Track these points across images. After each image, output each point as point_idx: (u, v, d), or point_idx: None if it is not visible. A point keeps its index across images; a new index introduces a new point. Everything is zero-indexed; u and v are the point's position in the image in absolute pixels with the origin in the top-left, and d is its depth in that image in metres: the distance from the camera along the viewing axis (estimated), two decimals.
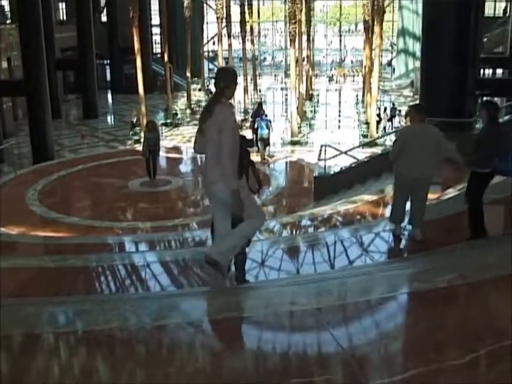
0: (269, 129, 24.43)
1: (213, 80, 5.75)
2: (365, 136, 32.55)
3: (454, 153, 8.23)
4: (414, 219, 8.61)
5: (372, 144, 27.46)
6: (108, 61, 52.85)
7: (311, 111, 41.52)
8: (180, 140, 32.85)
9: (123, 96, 47.70)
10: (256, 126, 25.29)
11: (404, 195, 8.58)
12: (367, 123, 34.75)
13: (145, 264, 8.88)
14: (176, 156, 26.47)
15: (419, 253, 7.96)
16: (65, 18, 50.88)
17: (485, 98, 19.52)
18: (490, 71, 43.00)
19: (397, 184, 8.74)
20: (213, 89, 31.38)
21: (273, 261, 8.75)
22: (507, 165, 7.93)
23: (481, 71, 37.10)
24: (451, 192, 12.08)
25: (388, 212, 10.73)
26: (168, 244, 12.17)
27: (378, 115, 34.65)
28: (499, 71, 41.13)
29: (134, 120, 34.16)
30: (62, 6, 50.97)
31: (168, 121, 38.82)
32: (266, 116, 25.66)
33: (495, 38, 42.65)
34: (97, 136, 34.64)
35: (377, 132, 32.84)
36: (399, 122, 34.83)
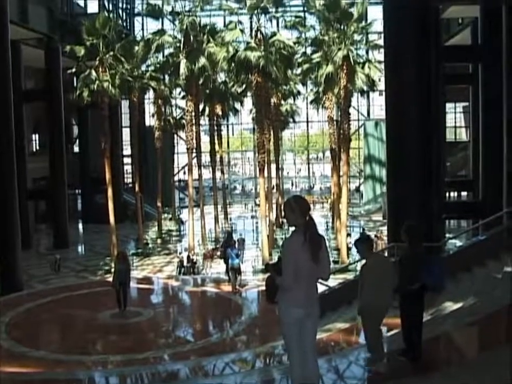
0: (239, 259, 24.33)
1: (298, 211, 6.12)
2: (336, 262, 32.68)
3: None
4: None
5: (344, 270, 27.56)
6: (80, 191, 53.28)
7: (282, 239, 41.72)
8: (150, 270, 32.70)
9: (94, 226, 47.56)
10: (227, 256, 25.18)
11: (374, 326, 8.58)
12: (338, 249, 34.99)
13: None
14: (147, 286, 26.20)
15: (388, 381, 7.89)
16: (37, 148, 51.60)
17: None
18: (456, 194, 44.19)
19: (364, 317, 8.72)
20: (184, 218, 31.19)
21: None
22: (431, 280, 8.37)
23: (447, 194, 38.07)
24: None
25: (361, 339, 10.65)
26: (140, 378, 11.89)
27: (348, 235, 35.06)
28: (464, 193, 42.20)
29: (56, 262, 33.20)
30: (35, 137, 51.77)
31: (139, 250, 38.79)
32: (235, 246, 25.53)
33: (458, 162, 44.04)
34: (67, 267, 34.32)
35: (348, 258, 33.07)
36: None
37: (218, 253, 32.34)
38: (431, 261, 8.75)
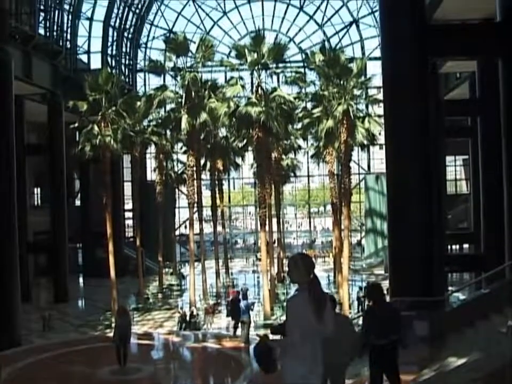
0: (249, 312, 23.41)
1: (303, 268, 6.10)
2: None
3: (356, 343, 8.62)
4: None
5: None
6: (80, 245, 53.18)
7: (283, 293, 41.42)
8: (151, 325, 32.37)
9: (95, 280, 47.21)
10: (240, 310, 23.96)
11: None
12: (340, 303, 34.65)
13: None
14: (147, 342, 25.83)
15: None
16: (39, 202, 51.74)
17: None
18: (457, 246, 44.03)
19: None
20: (185, 273, 30.55)
21: None
22: (402, 339, 8.84)
23: (448, 247, 37.93)
24: (426, 373, 11.88)
25: None
26: None
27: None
28: (466, 246, 42.04)
29: (45, 319, 32.61)
30: (37, 190, 51.99)
31: (140, 305, 38.53)
32: (245, 300, 24.65)
33: (458, 214, 44.01)
34: (67, 321, 33.99)
35: (349, 312, 32.76)
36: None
37: (225, 310, 31.79)
38: (396, 317, 9.05)
